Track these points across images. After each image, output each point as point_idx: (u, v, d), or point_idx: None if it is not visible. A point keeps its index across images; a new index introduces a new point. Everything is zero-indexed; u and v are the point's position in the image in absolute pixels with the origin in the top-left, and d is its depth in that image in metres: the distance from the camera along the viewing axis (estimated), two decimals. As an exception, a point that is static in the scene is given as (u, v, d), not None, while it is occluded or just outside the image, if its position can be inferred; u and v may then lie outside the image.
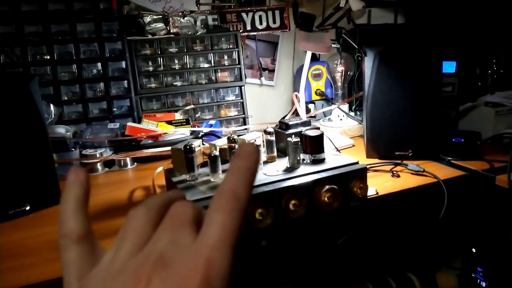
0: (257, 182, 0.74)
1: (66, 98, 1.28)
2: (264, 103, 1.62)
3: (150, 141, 1.21)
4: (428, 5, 1.54)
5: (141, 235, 0.25)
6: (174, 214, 0.25)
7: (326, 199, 0.74)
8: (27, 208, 0.86)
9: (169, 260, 0.22)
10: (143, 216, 0.26)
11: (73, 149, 1.12)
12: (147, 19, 1.37)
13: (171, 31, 1.40)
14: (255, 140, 0.82)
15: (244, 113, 1.48)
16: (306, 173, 0.77)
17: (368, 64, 1.03)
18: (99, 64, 1.31)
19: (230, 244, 0.23)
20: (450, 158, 1.03)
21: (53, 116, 1.19)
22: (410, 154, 0.99)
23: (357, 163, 0.81)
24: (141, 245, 0.24)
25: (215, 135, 1.29)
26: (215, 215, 0.23)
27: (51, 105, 1.20)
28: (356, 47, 1.17)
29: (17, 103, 0.85)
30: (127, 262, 0.23)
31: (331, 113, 1.40)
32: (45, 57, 1.25)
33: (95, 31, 1.30)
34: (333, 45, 1.29)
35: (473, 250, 1.09)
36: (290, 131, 0.87)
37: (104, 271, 0.24)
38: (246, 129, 1.42)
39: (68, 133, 1.16)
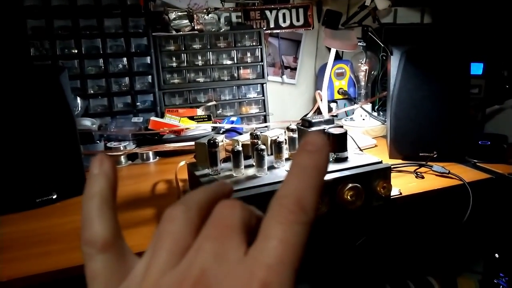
0: (279, 178, 0.75)
1: (92, 91, 1.31)
2: (285, 101, 1.62)
3: (172, 136, 1.23)
4: (455, 5, 1.51)
5: (179, 242, 0.21)
6: (220, 217, 0.21)
7: (349, 197, 0.74)
8: (54, 197, 0.88)
9: (214, 280, 0.18)
10: (181, 218, 0.21)
11: (98, 142, 1.14)
12: (172, 15, 1.39)
13: (195, 27, 1.42)
14: (278, 137, 0.82)
15: (265, 111, 1.48)
16: (329, 171, 0.77)
17: (394, 63, 1.02)
18: (124, 59, 1.34)
19: (292, 266, 0.18)
20: (476, 161, 1.01)
21: (79, 108, 1.22)
22: (435, 156, 0.98)
23: (380, 162, 0.80)
24: (179, 255, 0.20)
25: (236, 131, 1.30)
26: (275, 227, 0.19)
27: (78, 98, 1.23)
28: (382, 46, 1.16)
29: (48, 94, 0.87)
30: (163, 277, 0.19)
31: (353, 113, 1.39)
32: (73, 51, 1.28)
33: (122, 26, 1.32)
34: (359, 43, 1.28)
35: (496, 255, 1.07)
36: (313, 128, 0.87)
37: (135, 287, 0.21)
38: (267, 126, 1.43)
39: (94, 126, 1.19)
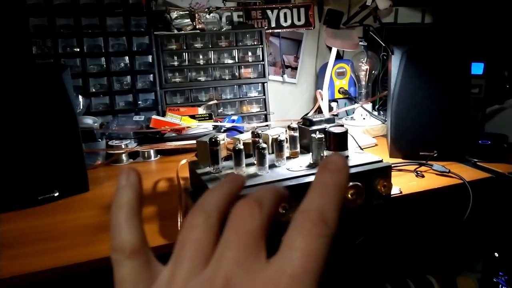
0: (280, 177, 0.75)
1: (94, 90, 1.32)
2: (286, 100, 1.62)
3: (173, 134, 1.23)
4: (456, 5, 1.51)
5: (201, 250, 0.21)
6: (239, 224, 0.21)
7: (349, 195, 0.74)
8: (56, 194, 0.89)
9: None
10: (202, 226, 0.22)
11: (99, 140, 1.15)
12: (174, 14, 1.39)
13: (197, 27, 1.42)
14: (279, 136, 0.83)
15: (266, 110, 1.48)
16: (329, 170, 0.77)
17: (395, 63, 1.02)
18: (126, 58, 1.34)
19: (314, 277, 0.19)
20: (476, 160, 1.01)
21: (81, 107, 1.23)
22: (435, 155, 0.98)
23: (381, 161, 0.80)
24: (202, 262, 0.21)
25: (237, 130, 1.30)
26: (298, 238, 0.20)
27: (80, 96, 1.23)
28: (383, 45, 1.16)
29: (50, 92, 0.88)
30: (188, 284, 0.20)
31: (354, 112, 1.40)
32: (75, 50, 1.29)
33: (124, 25, 1.33)
34: (360, 43, 1.28)
35: (496, 254, 1.07)
36: (314, 127, 0.87)
37: None
38: (267, 125, 1.43)
39: (96, 124, 1.19)
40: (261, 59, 1.46)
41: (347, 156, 0.83)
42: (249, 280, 0.19)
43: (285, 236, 0.20)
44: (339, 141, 0.84)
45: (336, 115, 1.47)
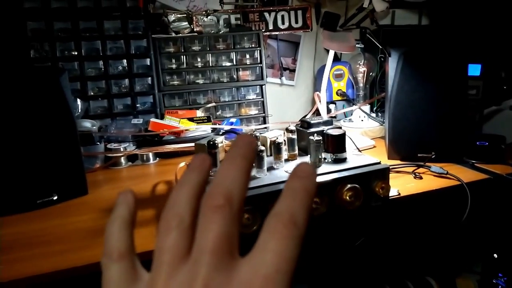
0: (278, 179, 0.75)
1: (92, 93, 1.32)
2: (284, 102, 1.63)
3: (172, 137, 1.23)
4: (453, 7, 1.52)
5: (178, 254, 0.23)
6: (210, 228, 0.22)
7: (347, 197, 0.74)
8: (55, 198, 0.89)
9: None
10: (176, 230, 0.23)
11: (98, 143, 1.15)
12: (172, 17, 1.39)
13: (195, 29, 1.42)
14: (277, 138, 0.83)
15: (264, 112, 1.49)
16: (327, 172, 0.78)
17: (392, 65, 1.03)
18: (124, 61, 1.34)
19: (287, 276, 0.20)
20: (474, 161, 1.02)
21: (79, 110, 1.23)
22: (433, 156, 0.98)
23: (379, 163, 0.81)
24: (180, 265, 0.22)
25: (235, 132, 1.30)
26: (271, 240, 0.21)
27: (78, 100, 1.23)
28: (380, 47, 1.17)
29: (48, 96, 0.88)
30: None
31: (352, 114, 1.40)
32: (73, 53, 1.29)
33: (122, 28, 1.33)
34: (357, 45, 1.29)
35: (495, 255, 1.07)
36: (312, 129, 0.88)
37: None
38: (266, 127, 1.43)
39: (94, 127, 1.19)
40: (259, 61, 1.46)
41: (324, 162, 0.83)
42: (225, 283, 0.20)
43: (258, 238, 0.21)
44: (337, 143, 0.84)
45: (334, 117, 1.48)
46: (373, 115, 1.39)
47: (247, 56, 1.46)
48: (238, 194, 0.23)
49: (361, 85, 1.40)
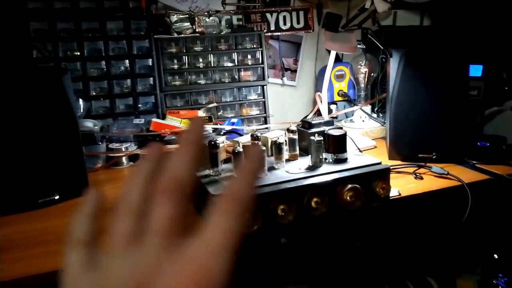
0: (279, 179, 0.75)
1: (94, 93, 1.32)
2: (285, 103, 1.63)
3: (173, 137, 1.24)
4: (454, 8, 1.52)
5: (128, 238, 0.24)
6: (157, 211, 0.24)
7: (348, 198, 0.75)
8: (56, 197, 0.89)
9: (163, 271, 0.22)
10: (126, 216, 0.25)
11: (100, 143, 1.15)
12: (174, 18, 1.40)
13: (197, 30, 1.43)
14: (278, 138, 0.83)
15: (265, 112, 1.49)
16: (328, 172, 0.78)
17: (394, 66, 1.03)
18: (126, 61, 1.35)
19: (230, 251, 0.22)
20: (475, 162, 1.02)
21: (81, 110, 1.23)
22: (434, 157, 0.98)
23: (380, 163, 0.81)
24: (131, 247, 0.24)
25: (237, 133, 1.30)
26: (216, 217, 0.23)
27: (80, 100, 1.24)
28: (382, 48, 1.17)
29: (50, 96, 0.88)
30: (121, 270, 0.23)
31: (353, 114, 1.40)
32: (76, 53, 1.30)
33: (124, 29, 1.33)
34: (358, 46, 1.29)
35: (495, 256, 1.07)
36: (313, 130, 0.88)
37: (96, 277, 0.24)
38: (267, 128, 1.44)
39: (96, 127, 1.19)
40: (260, 62, 1.46)
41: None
42: (175, 260, 0.22)
43: (207, 216, 0.23)
44: (338, 144, 0.84)
45: (335, 117, 1.48)
46: (374, 115, 1.40)
47: (249, 56, 1.46)
48: (187, 177, 0.25)
49: (362, 85, 1.40)
